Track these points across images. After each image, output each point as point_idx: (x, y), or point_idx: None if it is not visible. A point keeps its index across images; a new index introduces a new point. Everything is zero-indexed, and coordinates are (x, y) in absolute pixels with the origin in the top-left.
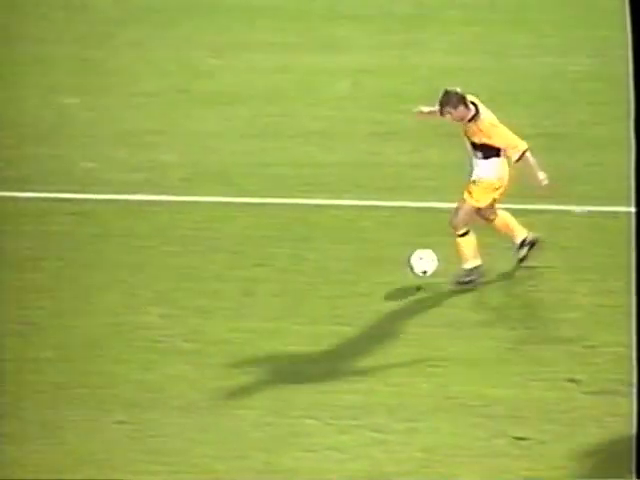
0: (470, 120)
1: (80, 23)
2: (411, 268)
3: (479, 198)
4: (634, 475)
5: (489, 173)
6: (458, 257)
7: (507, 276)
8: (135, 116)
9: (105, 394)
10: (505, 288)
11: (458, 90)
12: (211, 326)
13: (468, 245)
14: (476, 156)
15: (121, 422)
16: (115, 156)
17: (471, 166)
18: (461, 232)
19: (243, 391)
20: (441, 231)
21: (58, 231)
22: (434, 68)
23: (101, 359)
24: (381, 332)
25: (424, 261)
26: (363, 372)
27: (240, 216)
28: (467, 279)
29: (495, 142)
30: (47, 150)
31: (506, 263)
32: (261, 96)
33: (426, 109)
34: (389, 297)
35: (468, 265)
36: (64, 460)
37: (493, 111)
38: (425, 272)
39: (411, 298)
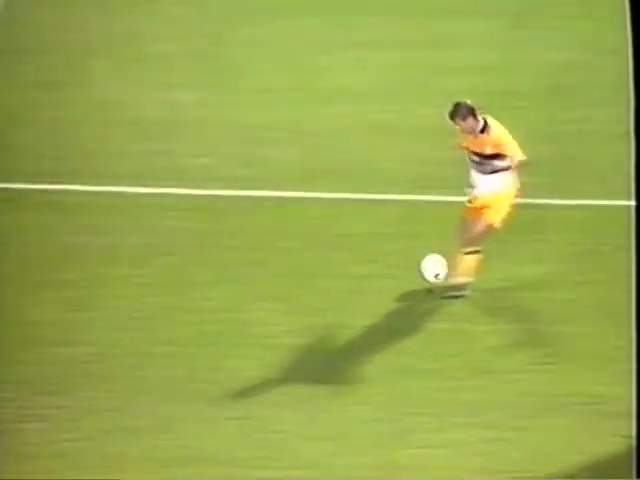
0: (481, 132)
1: (197, 20)
2: (422, 274)
3: (496, 216)
4: (634, 475)
5: (498, 187)
6: (455, 269)
7: (606, 274)
8: (250, 112)
9: (218, 389)
10: (606, 285)
11: (468, 102)
12: (323, 322)
13: (473, 262)
14: (484, 171)
15: (234, 418)
16: (230, 152)
17: (471, 183)
18: (470, 250)
19: (356, 387)
20: (557, 228)
21: (173, 226)
22: (551, 65)
23: (214, 355)
24: (494, 329)
25: (435, 267)
26: (476, 369)
27: (354, 212)
28: (457, 294)
29: (507, 150)
30: (163, 146)
31: (605, 263)
32: (376, 93)
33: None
34: (502, 293)
35: (461, 280)
36: (177, 454)
37: (619, 108)
38: (437, 275)
39: (519, 295)
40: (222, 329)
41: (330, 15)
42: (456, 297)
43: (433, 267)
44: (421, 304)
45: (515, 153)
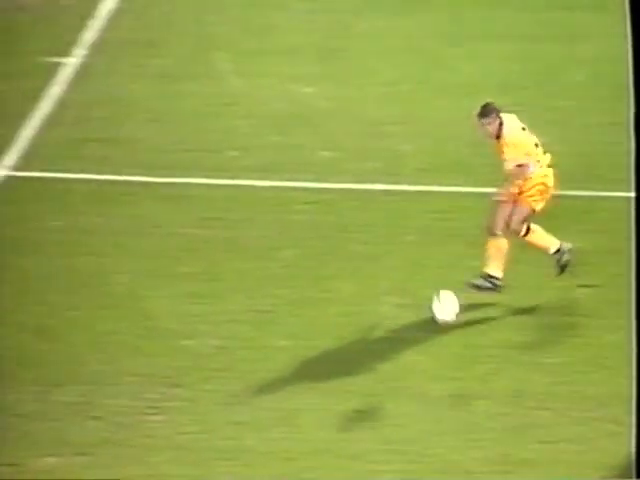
0: (497, 137)
1: (321, 13)
2: (432, 311)
3: (535, 199)
4: (634, 475)
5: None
6: (540, 250)
7: None
8: (373, 105)
9: (341, 383)
10: None
11: (493, 103)
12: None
13: (541, 236)
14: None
15: (357, 411)
16: (353, 145)
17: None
18: (523, 233)
19: (478, 381)
20: None
21: (296, 220)
22: None
23: (336, 348)
24: (616, 324)
25: (446, 305)
26: (598, 363)
27: (476, 206)
28: (564, 259)
29: (505, 154)
30: (286, 139)
31: None
32: (498, 86)
33: (505, 192)
34: (623, 288)
35: (553, 249)
36: (299, 448)
37: None
38: (446, 321)
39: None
40: (344, 322)
41: (453, 8)
42: (566, 265)
43: (444, 307)
44: (540, 296)
45: (509, 160)
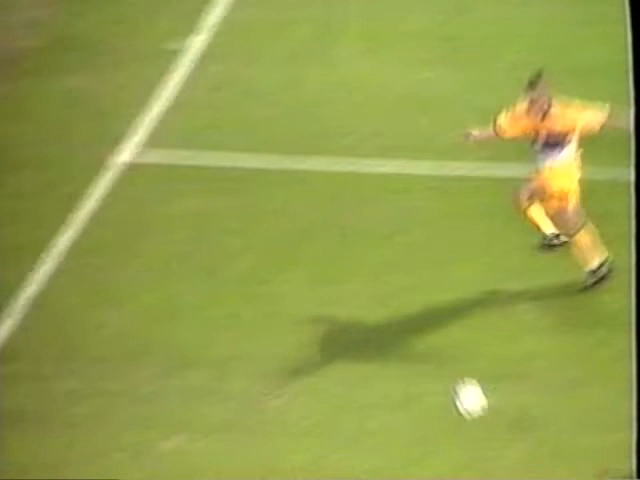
0: (544, 117)
1: None
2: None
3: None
4: (635, 475)
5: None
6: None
7: None
8: (493, 91)
9: (461, 368)
10: None
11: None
12: (567, 301)
13: (542, 215)
14: (550, 154)
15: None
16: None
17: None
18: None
19: (596, 368)
20: None
21: (415, 206)
22: None
23: (456, 333)
24: None
25: (469, 400)
26: None
27: (597, 188)
28: (554, 242)
29: (571, 125)
30: (405, 124)
31: None
32: (621, 69)
33: (477, 132)
34: None
35: (550, 231)
36: (422, 432)
37: None
38: (470, 413)
39: None
40: (464, 306)
41: None
42: (552, 246)
43: (467, 401)
44: None
45: (593, 117)
